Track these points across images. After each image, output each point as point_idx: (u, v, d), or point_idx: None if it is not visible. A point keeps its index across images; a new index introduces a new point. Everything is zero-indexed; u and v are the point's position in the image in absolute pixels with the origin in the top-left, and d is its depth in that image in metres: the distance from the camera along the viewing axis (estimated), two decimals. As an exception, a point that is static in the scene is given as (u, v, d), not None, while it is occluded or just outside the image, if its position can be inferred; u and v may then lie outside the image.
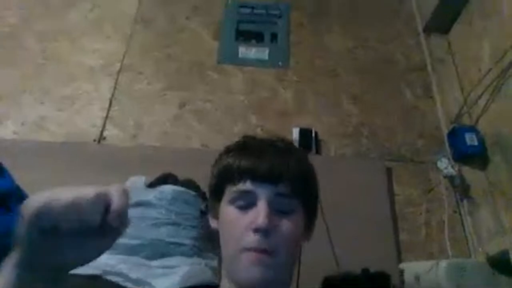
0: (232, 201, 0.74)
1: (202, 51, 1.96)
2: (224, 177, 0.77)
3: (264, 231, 0.70)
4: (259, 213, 0.70)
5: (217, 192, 0.78)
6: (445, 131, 1.75)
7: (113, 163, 1.57)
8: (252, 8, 2.12)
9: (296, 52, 1.99)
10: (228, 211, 0.74)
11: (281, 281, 0.73)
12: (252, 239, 0.70)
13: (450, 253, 1.50)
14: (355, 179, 1.59)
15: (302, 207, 0.76)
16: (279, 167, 0.74)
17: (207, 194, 0.83)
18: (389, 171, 1.66)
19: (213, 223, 0.80)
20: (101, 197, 0.49)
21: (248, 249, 0.70)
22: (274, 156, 0.75)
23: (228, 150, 0.80)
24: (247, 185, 0.73)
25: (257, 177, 0.73)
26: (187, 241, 1.08)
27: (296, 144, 1.68)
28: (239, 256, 0.70)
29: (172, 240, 1.07)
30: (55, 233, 0.48)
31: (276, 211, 0.72)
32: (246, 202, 0.73)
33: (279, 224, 0.72)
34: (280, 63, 1.95)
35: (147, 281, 0.98)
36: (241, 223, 0.71)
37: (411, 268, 1.40)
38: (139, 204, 1.13)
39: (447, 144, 1.71)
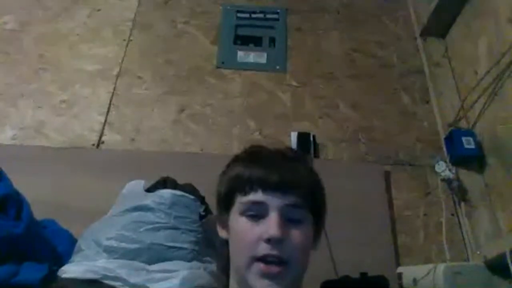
0: (243, 212, 0.74)
1: (200, 56, 1.97)
2: (234, 187, 0.76)
3: (277, 241, 0.70)
4: (272, 223, 0.70)
5: (226, 201, 0.78)
6: (443, 135, 1.76)
7: (112, 168, 1.57)
8: (250, 13, 2.13)
9: (294, 56, 1.99)
10: (239, 221, 0.74)
11: None
12: (264, 247, 0.70)
13: (448, 256, 1.50)
14: (353, 183, 1.59)
15: (311, 217, 0.75)
16: (289, 177, 0.74)
17: (215, 202, 0.82)
18: (387, 174, 1.67)
19: (221, 233, 0.80)
20: None
21: (260, 259, 0.70)
22: (284, 166, 0.75)
23: (236, 159, 0.80)
24: (258, 196, 0.73)
25: (268, 188, 0.73)
26: (186, 245, 1.08)
27: (294, 148, 1.69)
28: (250, 265, 0.70)
29: (171, 244, 1.07)
30: None
31: (286, 221, 0.72)
32: (258, 213, 0.73)
33: (290, 234, 0.71)
34: (278, 67, 1.95)
35: (146, 286, 0.98)
36: (253, 233, 0.71)
37: (409, 271, 1.40)
38: (137, 209, 1.13)
39: (444, 148, 1.72)
